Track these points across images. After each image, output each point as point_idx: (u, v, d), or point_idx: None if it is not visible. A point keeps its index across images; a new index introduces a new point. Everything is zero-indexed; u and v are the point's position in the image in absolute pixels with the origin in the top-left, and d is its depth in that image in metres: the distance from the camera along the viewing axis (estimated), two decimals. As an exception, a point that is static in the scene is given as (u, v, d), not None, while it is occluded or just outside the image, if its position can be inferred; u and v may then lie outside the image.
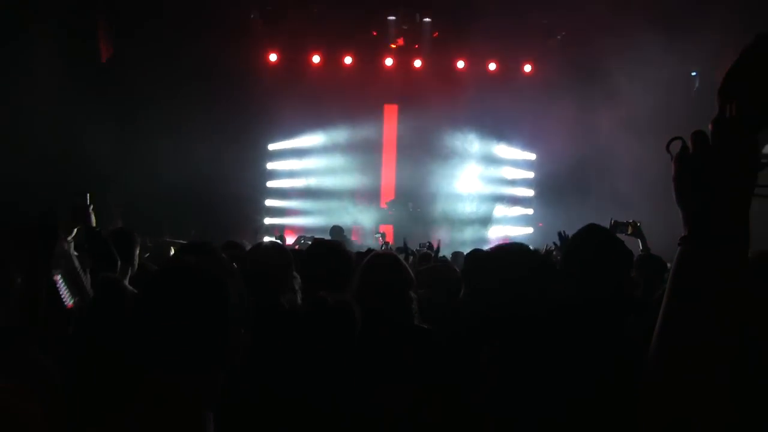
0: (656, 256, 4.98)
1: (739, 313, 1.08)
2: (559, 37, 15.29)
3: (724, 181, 1.10)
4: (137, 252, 4.51)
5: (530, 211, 16.37)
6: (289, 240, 13.56)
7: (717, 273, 1.09)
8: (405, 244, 8.02)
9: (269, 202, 16.60)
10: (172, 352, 1.57)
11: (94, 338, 2.85)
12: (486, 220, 16.08)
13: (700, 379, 1.07)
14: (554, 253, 6.21)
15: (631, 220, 5.77)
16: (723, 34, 12.64)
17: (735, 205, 1.10)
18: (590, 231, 2.95)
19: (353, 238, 14.31)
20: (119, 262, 3.77)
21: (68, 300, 3.19)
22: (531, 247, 2.84)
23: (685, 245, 1.14)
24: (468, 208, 16.03)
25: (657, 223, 6.24)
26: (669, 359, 1.10)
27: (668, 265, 4.87)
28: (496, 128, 15.66)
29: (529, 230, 15.92)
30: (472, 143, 16.04)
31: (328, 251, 3.66)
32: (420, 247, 8.51)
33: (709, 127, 1.12)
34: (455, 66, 16.12)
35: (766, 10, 10.48)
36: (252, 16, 15.09)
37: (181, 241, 9.07)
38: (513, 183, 16.73)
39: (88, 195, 4.03)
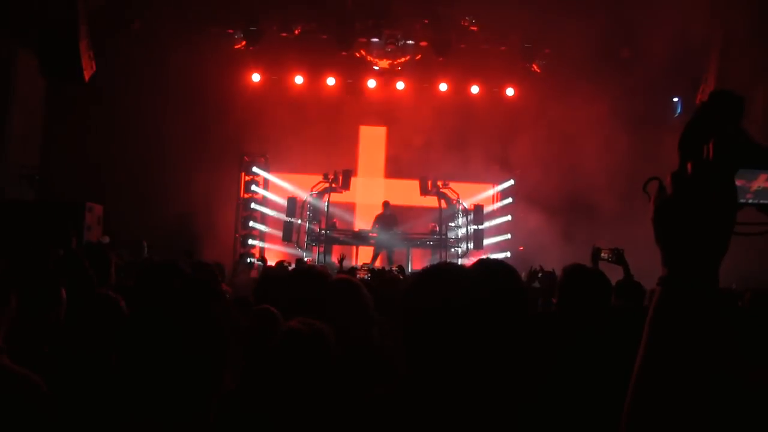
0: (636, 283, 4.98)
1: (720, 354, 1.08)
2: (541, 61, 15.43)
3: (703, 221, 1.10)
4: (113, 269, 4.54)
5: (508, 236, 16.35)
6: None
7: (697, 313, 1.09)
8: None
9: (252, 224, 16.49)
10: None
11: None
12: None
13: (681, 422, 1.06)
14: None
15: (613, 248, 5.72)
16: (705, 61, 12.89)
17: (714, 245, 1.11)
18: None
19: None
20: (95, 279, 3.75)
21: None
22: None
23: (665, 286, 1.13)
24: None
25: (639, 248, 6.27)
26: (649, 399, 1.09)
27: (647, 290, 4.88)
28: (477, 152, 15.67)
29: (507, 255, 15.83)
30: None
31: (304, 276, 3.68)
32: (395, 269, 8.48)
33: (687, 167, 1.13)
34: (438, 88, 16.21)
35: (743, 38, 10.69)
36: (236, 36, 15.13)
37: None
38: (492, 209, 16.86)
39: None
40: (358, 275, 6.02)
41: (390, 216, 15.58)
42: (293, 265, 9.59)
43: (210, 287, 3.77)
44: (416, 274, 2.37)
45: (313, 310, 3.09)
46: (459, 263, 15.30)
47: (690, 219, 1.11)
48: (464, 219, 16.40)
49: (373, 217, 15.73)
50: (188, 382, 1.58)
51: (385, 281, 6.55)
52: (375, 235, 15.38)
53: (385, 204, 15.62)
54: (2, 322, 2.37)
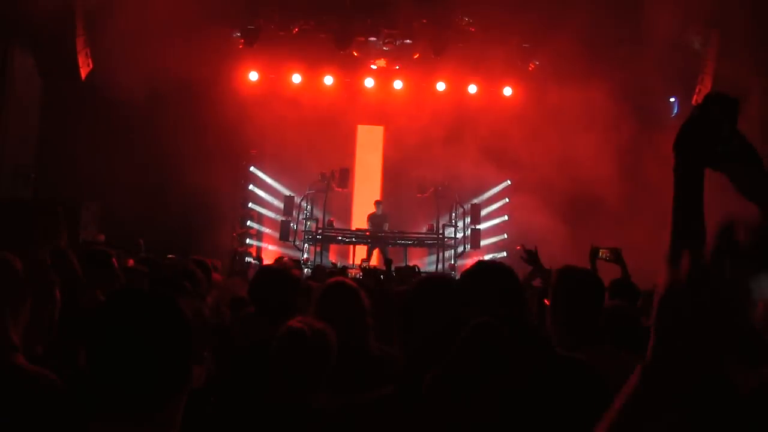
0: (631, 283, 4.99)
1: None
2: (539, 61, 15.40)
3: (715, 329, 1.01)
4: (114, 271, 4.45)
5: (505, 236, 16.31)
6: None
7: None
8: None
9: (250, 223, 16.46)
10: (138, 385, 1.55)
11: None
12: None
13: None
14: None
15: (611, 247, 5.71)
16: (701, 61, 12.90)
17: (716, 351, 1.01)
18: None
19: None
20: (86, 282, 3.69)
21: None
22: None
23: (645, 374, 1.04)
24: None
25: (637, 247, 6.29)
26: None
27: (641, 291, 4.90)
28: (474, 151, 15.61)
29: (503, 254, 15.76)
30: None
31: (276, 277, 3.67)
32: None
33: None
34: (435, 88, 16.20)
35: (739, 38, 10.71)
36: (234, 34, 15.09)
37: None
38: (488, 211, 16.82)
39: (59, 211, 3.94)
40: (349, 274, 6.00)
41: (381, 216, 15.63)
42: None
43: (178, 284, 3.75)
44: (414, 287, 2.39)
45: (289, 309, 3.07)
46: (456, 264, 15.41)
47: (702, 322, 1.01)
48: (462, 219, 16.38)
49: (366, 217, 15.82)
50: (155, 376, 1.57)
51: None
52: (368, 234, 15.45)
53: (377, 203, 15.69)
54: (19, 322, 2.36)
